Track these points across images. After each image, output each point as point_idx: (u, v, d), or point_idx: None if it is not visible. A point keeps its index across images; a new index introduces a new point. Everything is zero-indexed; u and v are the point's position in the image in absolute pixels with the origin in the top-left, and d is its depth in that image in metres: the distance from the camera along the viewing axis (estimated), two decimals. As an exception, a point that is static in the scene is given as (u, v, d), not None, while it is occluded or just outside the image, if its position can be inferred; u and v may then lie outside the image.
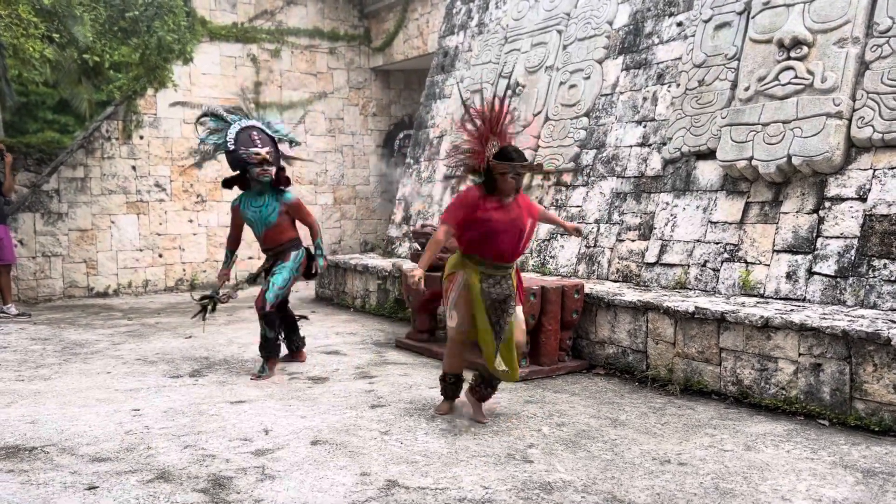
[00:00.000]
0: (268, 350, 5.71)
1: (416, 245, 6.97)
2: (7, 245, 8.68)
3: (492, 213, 4.21)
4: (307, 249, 5.93)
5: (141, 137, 10.80)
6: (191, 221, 11.11)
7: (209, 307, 5.95)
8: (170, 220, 11.00)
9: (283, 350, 6.10)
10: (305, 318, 6.61)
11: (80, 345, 6.95)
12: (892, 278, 4.92)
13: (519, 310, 4.41)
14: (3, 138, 10.73)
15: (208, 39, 11.37)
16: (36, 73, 9.35)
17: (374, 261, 9.28)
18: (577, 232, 4.84)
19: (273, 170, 5.71)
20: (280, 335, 5.87)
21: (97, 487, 3.44)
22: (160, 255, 10.97)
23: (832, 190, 5.44)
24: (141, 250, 10.84)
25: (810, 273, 5.35)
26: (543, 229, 7.57)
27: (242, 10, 11.90)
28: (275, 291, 5.64)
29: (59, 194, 10.17)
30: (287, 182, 5.90)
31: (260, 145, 5.69)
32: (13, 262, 8.87)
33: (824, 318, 4.57)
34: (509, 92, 4.53)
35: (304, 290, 10.78)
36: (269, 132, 5.90)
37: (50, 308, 9.46)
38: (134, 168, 10.78)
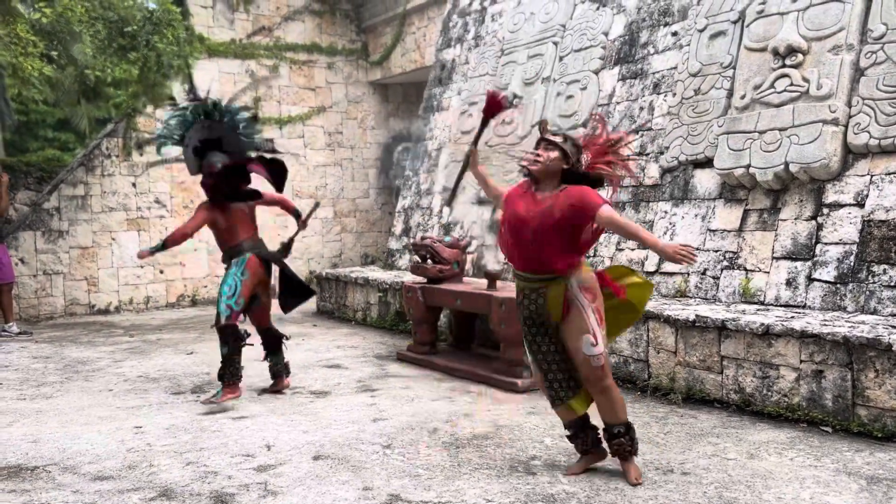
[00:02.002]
0: (225, 371, 5.21)
1: (417, 257, 6.98)
2: (5, 263, 8.70)
3: (515, 201, 3.69)
4: (259, 253, 5.47)
5: (141, 154, 10.84)
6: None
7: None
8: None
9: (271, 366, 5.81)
10: (288, 338, 5.92)
11: (81, 363, 6.95)
12: (892, 283, 4.92)
13: (585, 337, 3.56)
14: (3, 157, 10.77)
15: (207, 56, 11.43)
16: (35, 91, 9.39)
17: (375, 273, 9.29)
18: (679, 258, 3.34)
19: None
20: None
21: (99, 506, 3.44)
22: (161, 272, 10.99)
23: (830, 196, 5.46)
24: (142, 267, 10.85)
25: (810, 279, 5.35)
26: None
27: (240, 26, 11.97)
28: (224, 303, 5.22)
29: (59, 212, 10.20)
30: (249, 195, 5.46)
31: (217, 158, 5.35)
32: (12, 280, 8.88)
33: (825, 325, 4.57)
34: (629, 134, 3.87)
35: (305, 302, 10.76)
36: (241, 136, 5.57)
37: (51, 326, 9.46)
38: (134, 185, 10.81)
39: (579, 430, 3.80)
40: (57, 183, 10.23)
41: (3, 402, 5.48)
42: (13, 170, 9.97)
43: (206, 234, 6.41)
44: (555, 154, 3.61)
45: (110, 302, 10.58)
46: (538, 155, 3.63)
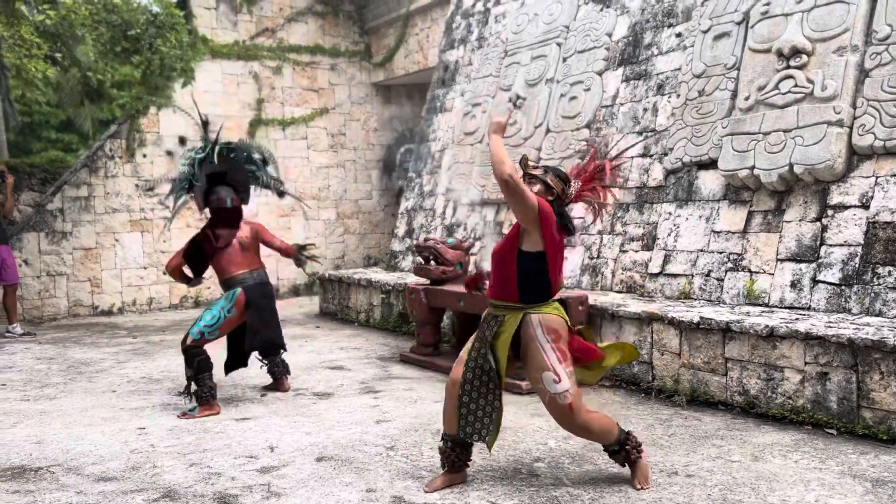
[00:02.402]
0: (196, 391, 5.08)
1: (420, 259, 6.97)
2: (10, 265, 8.71)
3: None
4: (251, 287, 5.39)
5: (144, 156, 10.86)
6: (194, 238, 11.15)
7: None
8: (173, 238, 11.02)
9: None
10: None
11: (85, 364, 6.96)
12: (897, 285, 4.90)
13: (545, 375, 3.47)
14: (7, 159, 10.79)
15: (210, 57, 11.45)
16: (39, 93, 9.42)
17: (378, 275, 9.28)
18: None
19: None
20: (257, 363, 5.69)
21: (103, 507, 3.44)
22: (164, 273, 10.98)
23: (834, 198, 5.44)
24: (145, 268, 10.87)
25: (815, 281, 5.33)
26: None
27: (244, 27, 11.99)
28: (199, 326, 5.15)
29: (63, 213, 10.21)
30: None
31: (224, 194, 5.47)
32: (16, 281, 8.90)
33: (830, 327, 4.56)
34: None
35: (308, 304, 10.78)
36: (249, 169, 5.60)
37: (55, 327, 9.47)
38: (137, 186, 10.83)
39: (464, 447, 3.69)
40: (60, 184, 10.25)
41: (7, 403, 5.49)
42: (17, 171, 9.99)
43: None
44: (537, 187, 3.66)
45: (113, 303, 10.59)
46: None
